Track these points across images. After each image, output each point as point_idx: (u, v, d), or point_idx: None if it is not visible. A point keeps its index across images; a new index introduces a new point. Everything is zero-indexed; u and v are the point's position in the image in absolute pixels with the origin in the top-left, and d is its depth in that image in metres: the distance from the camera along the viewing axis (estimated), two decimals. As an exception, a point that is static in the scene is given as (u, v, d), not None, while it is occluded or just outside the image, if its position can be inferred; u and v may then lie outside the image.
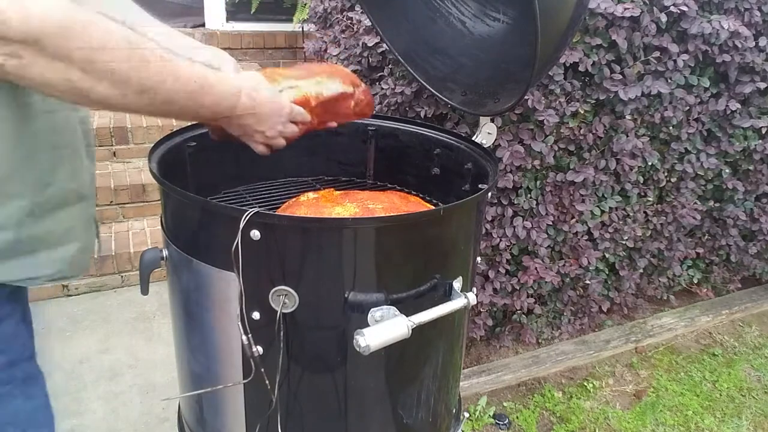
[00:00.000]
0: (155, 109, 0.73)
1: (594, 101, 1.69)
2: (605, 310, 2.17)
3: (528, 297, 1.93)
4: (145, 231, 2.67)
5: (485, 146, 1.16)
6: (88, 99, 0.66)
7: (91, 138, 0.94)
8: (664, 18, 1.59)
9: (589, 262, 1.90)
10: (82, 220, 0.86)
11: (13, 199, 0.74)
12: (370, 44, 1.73)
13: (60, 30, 0.59)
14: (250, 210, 0.77)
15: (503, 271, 1.87)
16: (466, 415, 1.75)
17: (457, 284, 0.91)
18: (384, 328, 0.78)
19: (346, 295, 0.83)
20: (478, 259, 1.25)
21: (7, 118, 0.70)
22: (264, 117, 0.86)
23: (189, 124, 1.12)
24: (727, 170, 2.02)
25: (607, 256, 2.00)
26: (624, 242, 1.99)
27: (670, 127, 1.83)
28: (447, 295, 0.90)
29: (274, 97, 0.88)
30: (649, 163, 1.84)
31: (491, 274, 1.86)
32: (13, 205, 0.74)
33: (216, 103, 0.78)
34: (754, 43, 1.73)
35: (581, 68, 1.60)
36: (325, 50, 2.04)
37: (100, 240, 0.97)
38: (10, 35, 0.57)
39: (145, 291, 0.98)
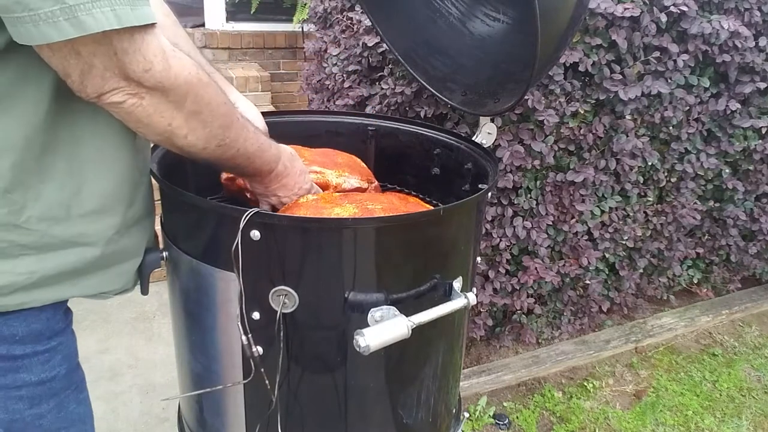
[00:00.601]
0: (220, 161, 0.80)
1: (594, 101, 1.69)
2: (605, 310, 2.17)
3: (528, 297, 1.93)
4: (145, 231, 2.67)
5: (485, 146, 1.16)
6: (174, 142, 0.73)
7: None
8: (664, 18, 1.59)
9: (589, 262, 1.90)
10: (149, 233, 0.91)
11: (107, 216, 0.78)
12: (370, 44, 1.73)
13: (186, 86, 0.67)
14: (250, 210, 0.77)
15: (503, 271, 1.86)
16: (466, 415, 1.75)
17: (457, 284, 0.91)
18: (384, 328, 0.78)
19: (346, 295, 0.83)
20: (478, 259, 1.25)
21: (123, 143, 0.77)
22: (289, 185, 0.94)
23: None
24: (727, 170, 2.02)
25: (607, 256, 2.00)
26: (624, 242, 1.99)
27: (670, 127, 1.83)
28: (447, 295, 0.90)
29: (303, 172, 0.97)
30: (649, 163, 1.84)
31: (491, 274, 1.86)
32: (106, 222, 0.78)
33: (263, 164, 0.87)
34: (754, 43, 1.73)
35: (581, 68, 1.60)
36: (325, 50, 2.04)
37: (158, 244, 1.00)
38: (147, 83, 0.63)
39: (145, 291, 0.98)
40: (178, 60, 0.66)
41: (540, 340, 2.20)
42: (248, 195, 1.01)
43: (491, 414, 1.91)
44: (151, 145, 0.93)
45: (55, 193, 0.71)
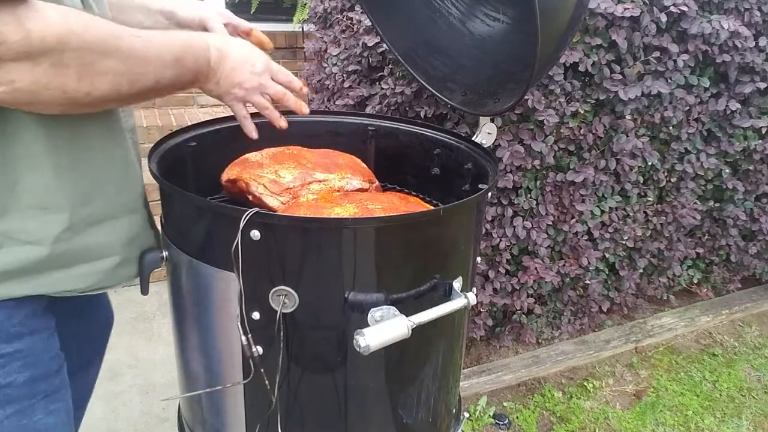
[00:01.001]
0: (151, 93, 0.74)
1: (594, 101, 1.69)
2: (605, 310, 2.17)
3: (528, 297, 1.93)
4: (145, 231, 2.67)
5: (485, 146, 1.16)
6: (84, 106, 0.67)
7: (139, 149, 0.94)
8: (664, 18, 1.59)
9: (589, 262, 1.90)
10: (126, 233, 0.86)
11: (50, 213, 0.74)
12: (370, 44, 1.73)
13: (59, 44, 0.59)
14: (250, 210, 0.77)
15: (503, 271, 1.86)
16: (466, 415, 1.75)
17: (457, 284, 0.91)
18: (384, 328, 0.78)
19: (346, 295, 0.83)
20: (478, 259, 1.25)
21: (56, 135, 0.71)
22: (238, 64, 0.86)
23: (189, 124, 1.12)
24: (727, 170, 2.02)
25: (607, 256, 2.00)
26: (624, 242, 1.99)
27: (670, 127, 1.83)
28: (447, 295, 0.90)
29: (246, 47, 0.88)
30: (649, 163, 1.84)
31: (491, 274, 1.86)
32: (49, 219, 0.74)
33: (194, 63, 0.79)
34: (754, 43, 1.73)
35: (581, 68, 1.60)
36: (325, 50, 2.04)
37: (158, 242, 0.96)
38: (6, 56, 0.56)
39: (145, 291, 0.98)
40: (39, 18, 0.57)
41: (540, 340, 2.20)
42: (249, 197, 1.01)
43: (491, 414, 1.91)
44: (129, 135, 0.88)
45: None
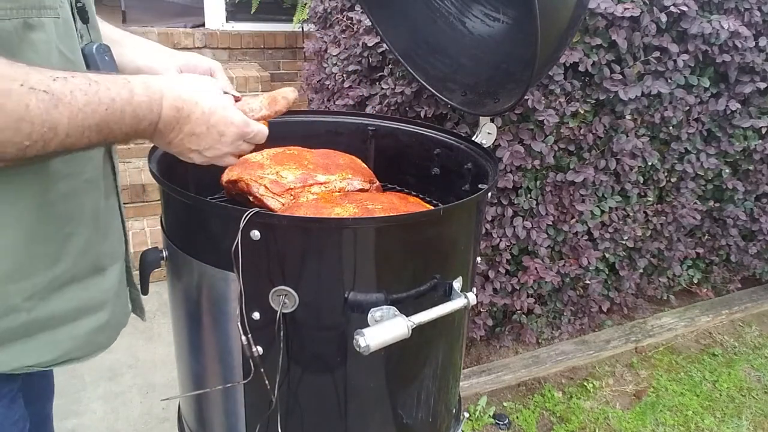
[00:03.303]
0: (57, 151, 0.59)
1: (594, 101, 1.69)
2: (605, 310, 2.17)
3: (528, 297, 1.93)
4: (145, 231, 2.67)
5: (485, 146, 1.16)
6: None
7: (120, 195, 0.85)
8: (664, 18, 1.59)
9: (589, 262, 1.90)
10: (99, 294, 0.78)
11: (10, 283, 0.64)
12: (370, 44, 1.73)
13: None
14: (250, 210, 0.77)
15: (503, 271, 1.86)
16: (466, 415, 1.75)
17: (457, 284, 0.91)
18: (384, 328, 0.78)
19: (346, 295, 0.83)
20: (478, 259, 1.25)
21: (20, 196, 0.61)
22: (201, 130, 0.71)
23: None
24: (727, 170, 2.02)
25: (607, 256, 1.99)
26: (624, 242, 1.99)
27: (670, 127, 1.83)
28: (447, 295, 0.90)
29: (222, 108, 0.72)
30: (649, 163, 1.84)
31: (491, 274, 1.86)
32: (10, 289, 0.65)
33: (133, 123, 0.63)
34: (754, 43, 1.73)
35: (581, 68, 1.60)
36: (325, 50, 2.04)
37: (138, 304, 0.90)
38: None
39: (145, 291, 0.98)
40: None
41: (540, 340, 2.20)
42: (250, 198, 1.01)
43: (491, 414, 1.91)
44: (104, 181, 0.77)
45: None
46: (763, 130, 1.93)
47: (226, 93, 0.77)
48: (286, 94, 0.82)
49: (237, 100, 0.79)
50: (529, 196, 1.78)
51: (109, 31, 0.85)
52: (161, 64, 0.89)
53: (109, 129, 0.61)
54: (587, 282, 2.00)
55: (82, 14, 0.72)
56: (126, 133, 0.64)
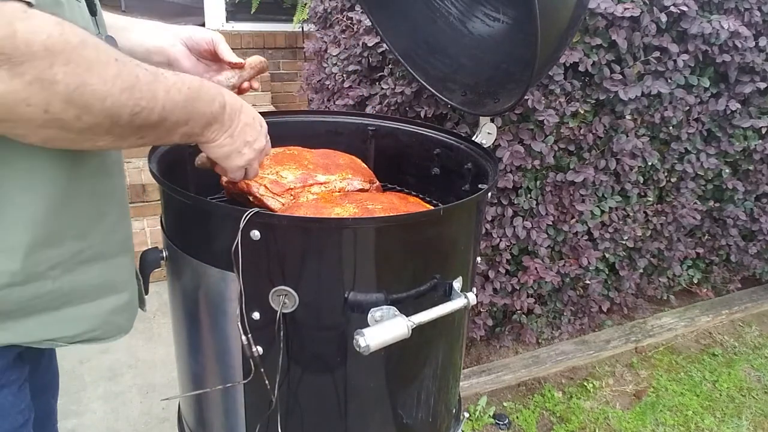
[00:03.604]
0: (157, 135, 0.65)
1: (594, 101, 1.69)
2: (605, 310, 2.17)
3: (528, 297, 1.93)
4: (145, 231, 2.67)
5: (485, 146, 1.16)
6: (73, 139, 0.58)
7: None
8: (664, 18, 1.59)
9: (589, 262, 1.90)
10: (124, 274, 0.80)
11: (38, 250, 0.66)
12: (370, 44, 1.73)
13: (46, 52, 0.50)
14: (250, 210, 0.77)
15: (503, 271, 1.86)
16: (466, 415, 1.75)
17: (457, 284, 0.91)
18: (384, 328, 0.78)
19: (346, 295, 0.83)
20: (478, 259, 1.25)
21: (55, 174, 0.64)
22: (250, 120, 0.77)
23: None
24: (727, 170, 2.02)
25: (607, 256, 2.00)
26: (624, 242, 1.99)
27: (670, 127, 1.83)
28: (447, 295, 0.90)
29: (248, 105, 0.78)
30: (649, 163, 1.84)
31: (491, 274, 1.86)
32: (34, 257, 0.66)
33: (207, 105, 0.69)
34: (754, 43, 1.73)
35: (581, 68, 1.60)
36: (325, 50, 2.04)
37: (142, 294, 0.91)
38: None
39: (145, 291, 0.98)
40: (30, 20, 0.49)
41: (540, 340, 2.20)
42: (250, 198, 1.01)
43: (491, 414, 1.91)
44: (124, 176, 0.81)
45: None
46: (763, 130, 1.93)
47: (231, 61, 0.92)
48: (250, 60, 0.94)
49: (240, 66, 0.94)
50: (529, 196, 1.78)
51: (113, 20, 0.89)
52: (167, 41, 0.94)
53: (192, 107, 0.67)
54: (587, 282, 2.00)
55: (91, 7, 0.74)
56: (203, 114, 0.69)
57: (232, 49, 0.99)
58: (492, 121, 1.26)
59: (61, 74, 0.52)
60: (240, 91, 0.97)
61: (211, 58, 0.98)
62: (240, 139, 0.76)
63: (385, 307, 0.81)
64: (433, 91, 1.31)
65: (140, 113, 0.60)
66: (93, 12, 0.74)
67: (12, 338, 0.69)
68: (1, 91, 0.49)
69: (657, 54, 1.65)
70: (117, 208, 0.77)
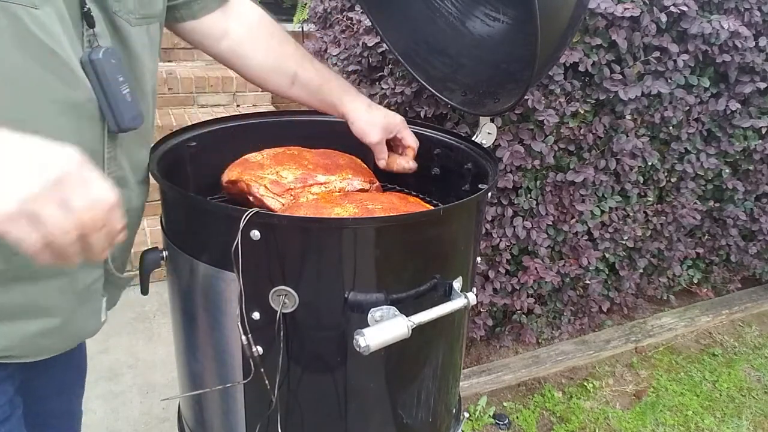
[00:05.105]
0: None
1: (594, 101, 1.69)
2: (605, 310, 2.17)
3: (528, 297, 1.93)
4: (145, 231, 2.67)
5: (485, 146, 1.16)
6: None
7: None
8: (664, 18, 1.59)
9: (589, 262, 1.90)
10: (54, 298, 0.77)
11: None
12: (370, 44, 1.73)
13: None
14: (250, 210, 0.77)
15: (503, 271, 1.86)
16: (466, 415, 1.75)
17: (457, 284, 0.91)
18: (384, 328, 0.78)
19: (346, 295, 0.83)
20: (478, 259, 1.25)
21: None
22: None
23: (189, 124, 1.12)
24: (727, 170, 2.02)
25: (607, 256, 2.00)
26: (624, 242, 1.99)
27: (670, 127, 1.83)
28: (447, 295, 0.90)
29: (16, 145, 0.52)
30: (649, 163, 1.84)
31: (491, 274, 1.86)
32: None
33: None
34: (754, 43, 1.73)
35: (581, 68, 1.60)
36: (325, 50, 2.04)
37: (103, 310, 0.89)
38: None
39: (145, 291, 0.98)
40: None
41: (540, 340, 2.20)
42: (250, 198, 1.01)
43: (491, 414, 1.91)
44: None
45: None
46: (763, 130, 1.93)
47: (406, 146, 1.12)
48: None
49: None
50: (529, 196, 1.78)
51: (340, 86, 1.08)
52: (376, 136, 1.07)
53: None
54: (587, 282, 2.00)
55: (88, 19, 0.72)
56: None
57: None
58: (492, 121, 1.26)
59: None
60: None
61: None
62: None
63: (385, 307, 0.81)
64: (433, 91, 1.31)
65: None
66: (91, 24, 0.72)
67: None
68: None
69: (657, 54, 1.65)
70: None
